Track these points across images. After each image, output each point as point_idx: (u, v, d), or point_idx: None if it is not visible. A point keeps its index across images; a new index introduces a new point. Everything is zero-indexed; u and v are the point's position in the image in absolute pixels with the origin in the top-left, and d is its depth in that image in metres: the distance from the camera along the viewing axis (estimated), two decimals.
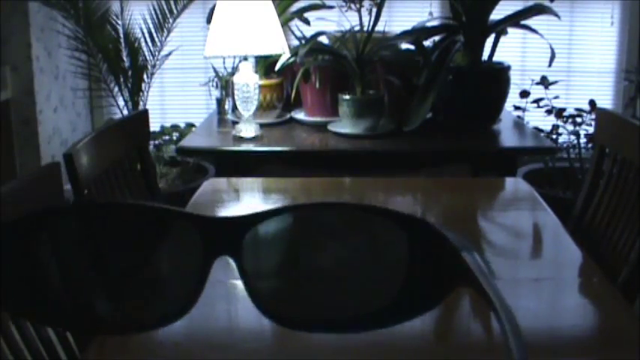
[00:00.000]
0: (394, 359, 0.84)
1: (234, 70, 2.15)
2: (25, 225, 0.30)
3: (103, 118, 3.18)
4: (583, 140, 2.74)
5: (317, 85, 2.07)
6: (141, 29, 2.79)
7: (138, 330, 0.33)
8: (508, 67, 2.04)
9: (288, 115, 2.17)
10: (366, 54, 1.95)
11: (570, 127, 2.74)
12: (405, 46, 2.13)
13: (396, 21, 2.67)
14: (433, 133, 2.00)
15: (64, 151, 1.25)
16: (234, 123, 2.04)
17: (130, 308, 0.33)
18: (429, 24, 2.14)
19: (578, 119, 2.72)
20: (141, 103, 2.81)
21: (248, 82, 1.88)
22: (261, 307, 0.33)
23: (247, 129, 1.92)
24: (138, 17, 2.81)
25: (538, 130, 2.66)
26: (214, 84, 2.48)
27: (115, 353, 0.84)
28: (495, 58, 2.08)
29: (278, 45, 1.87)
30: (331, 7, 2.14)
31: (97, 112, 3.20)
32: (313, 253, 0.33)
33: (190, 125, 2.89)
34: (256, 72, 2.00)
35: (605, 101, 3.09)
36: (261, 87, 1.99)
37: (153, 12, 2.77)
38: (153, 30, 2.78)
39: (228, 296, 1.02)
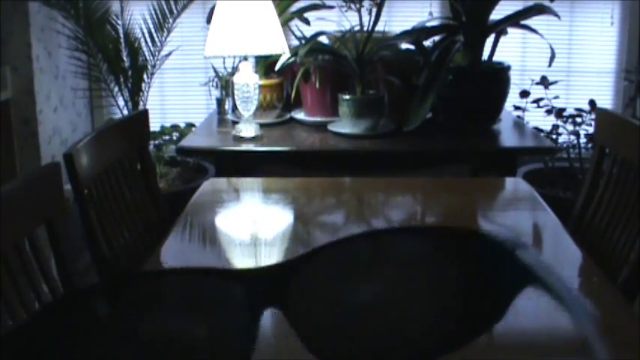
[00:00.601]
0: (394, 359, 0.84)
1: (234, 70, 2.15)
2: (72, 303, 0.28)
3: (103, 118, 3.18)
4: (583, 140, 2.74)
5: (317, 85, 2.07)
6: (141, 29, 2.79)
7: None
8: (508, 67, 2.04)
9: (288, 115, 2.17)
10: (366, 54, 1.95)
11: (570, 127, 2.74)
12: (405, 46, 2.13)
13: (396, 21, 2.67)
14: (433, 133, 2.00)
15: (64, 151, 1.25)
16: (234, 123, 2.04)
17: None
18: (429, 24, 2.14)
19: (578, 119, 2.72)
20: (141, 103, 2.81)
21: (248, 82, 1.88)
22: (311, 347, 0.32)
23: (247, 129, 1.92)
24: (138, 17, 2.81)
25: (538, 130, 2.66)
26: (214, 84, 2.48)
27: None
28: (495, 58, 2.08)
29: (278, 45, 1.87)
30: (331, 7, 2.14)
31: (97, 112, 3.20)
32: (360, 287, 0.32)
33: (190, 125, 2.89)
34: (256, 72, 2.00)
35: (605, 101, 3.09)
36: (261, 87, 1.99)
37: (153, 12, 2.77)
38: (153, 30, 2.78)
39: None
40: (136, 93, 2.78)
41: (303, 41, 2.04)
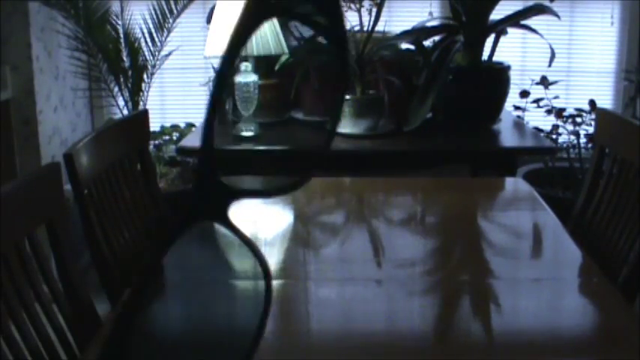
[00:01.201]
0: (394, 359, 0.84)
1: (235, 70, 2.15)
2: None
3: (103, 118, 3.18)
4: (583, 140, 2.74)
5: (317, 85, 2.07)
6: (141, 29, 2.79)
7: None
8: (508, 67, 2.04)
9: (287, 115, 2.17)
10: (366, 54, 1.95)
11: (570, 127, 2.74)
12: (405, 46, 2.13)
13: (396, 21, 2.66)
14: (433, 133, 2.00)
15: (64, 151, 1.24)
16: (234, 123, 2.04)
17: None
18: (429, 24, 2.14)
19: (578, 119, 2.72)
20: (141, 103, 2.81)
21: (248, 82, 1.88)
22: None
23: (247, 129, 1.92)
24: (138, 17, 2.81)
25: (538, 130, 2.66)
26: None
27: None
28: (495, 58, 2.08)
29: (278, 45, 1.87)
30: None
31: (97, 112, 3.20)
32: None
33: (190, 125, 2.88)
34: (256, 72, 2.00)
35: (605, 101, 3.09)
36: (261, 87, 1.99)
37: (153, 12, 2.77)
38: (153, 30, 2.78)
39: (229, 296, 1.02)
40: (136, 93, 2.78)
41: (303, 41, 2.04)
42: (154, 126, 2.97)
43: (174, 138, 2.87)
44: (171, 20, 2.78)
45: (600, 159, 1.53)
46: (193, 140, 2.02)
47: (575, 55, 3.11)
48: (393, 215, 1.46)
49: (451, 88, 2.01)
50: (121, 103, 2.79)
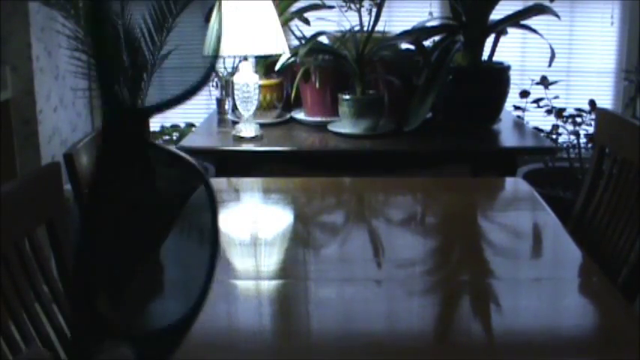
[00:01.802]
0: (394, 359, 0.84)
1: (234, 70, 2.15)
2: None
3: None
4: (583, 140, 2.73)
5: (317, 85, 2.07)
6: (140, 29, 2.79)
7: None
8: (508, 67, 2.04)
9: (288, 115, 2.17)
10: (366, 54, 1.95)
11: (570, 127, 2.74)
12: (405, 46, 2.13)
13: (396, 21, 2.66)
14: (433, 133, 2.00)
15: (64, 151, 1.24)
16: (234, 123, 2.04)
17: None
18: (429, 24, 2.14)
19: (578, 119, 2.72)
20: (141, 102, 2.81)
21: (248, 82, 1.88)
22: None
23: (247, 129, 1.92)
24: (138, 17, 2.80)
25: (538, 130, 2.66)
26: (214, 84, 2.48)
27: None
28: (495, 58, 2.08)
29: (278, 45, 1.87)
30: (331, 7, 2.14)
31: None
32: None
33: (190, 125, 2.88)
34: (256, 72, 2.00)
35: (605, 101, 3.09)
36: (261, 87, 1.99)
37: (152, 12, 2.77)
38: (152, 30, 2.78)
39: (228, 296, 1.02)
40: (136, 93, 2.78)
41: (303, 41, 2.04)
42: (154, 126, 2.97)
43: (174, 138, 2.87)
44: (170, 20, 2.78)
45: (600, 159, 1.53)
46: (193, 140, 2.02)
47: (575, 55, 3.11)
48: (393, 215, 1.46)
49: (451, 88, 2.01)
50: None
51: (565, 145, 2.76)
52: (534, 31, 2.01)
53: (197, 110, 3.04)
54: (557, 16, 1.99)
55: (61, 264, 1.09)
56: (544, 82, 2.70)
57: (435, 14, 2.89)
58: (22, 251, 1.00)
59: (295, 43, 2.13)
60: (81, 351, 0.33)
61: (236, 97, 1.92)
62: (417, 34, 2.05)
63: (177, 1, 2.76)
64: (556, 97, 2.73)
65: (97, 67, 0.30)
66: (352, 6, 1.94)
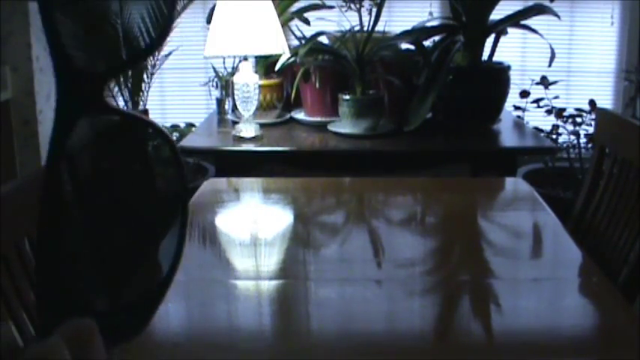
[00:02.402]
0: (394, 359, 0.84)
1: (234, 70, 2.15)
2: None
3: None
4: (583, 140, 2.74)
5: (317, 85, 2.07)
6: (140, 29, 2.79)
7: None
8: (508, 67, 2.04)
9: (288, 115, 2.17)
10: (366, 54, 1.95)
11: (570, 127, 2.74)
12: (405, 46, 2.13)
13: (396, 21, 2.67)
14: (433, 133, 2.00)
15: None
16: (234, 123, 2.04)
17: None
18: (429, 24, 2.14)
19: (578, 119, 2.72)
20: (141, 103, 2.81)
21: (248, 82, 1.88)
22: None
23: (247, 129, 1.92)
24: (137, 17, 2.80)
25: (538, 130, 2.66)
26: (214, 84, 2.48)
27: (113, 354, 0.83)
28: (495, 58, 2.08)
29: (278, 45, 1.87)
30: (331, 7, 2.14)
31: None
32: None
33: (190, 125, 2.88)
34: (256, 72, 2.00)
35: (605, 101, 3.09)
36: (261, 87, 1.99)
37: (152, 12, 2.77)
38: (152, 30, 2.78)
39: (228, 296, 1.02)
40: (136, 93, 2.78)
41: (303, 41, 2.04)
42: None
43: (175, 138, 2.87)
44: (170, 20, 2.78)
45: (600, 159, 1.53)
46: (193, 140, 2.02)
47: (575, 55, 3.11)
48: (393, 215, 1.46)
49: (451, 88, 2.01)
50: (121, 103, 2.78)
51: (565, 145, 2.76)
52: (534, 31, 2.01)
53: (197, 110, 3.04)
54: (557, 16, 1.99)
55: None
56: (544, 82, 2.70)
57: (435, 14, 2.89)
58: (22, 251, 0.99)
59: (295, 43, 2.13)
60: (45, 326, 0.32)
61: (236, 97, 1.92)
62: (417, 34, 2.05)
63: (177, 1, 2.76)
64: (556, 97, 2.73)
65: (43, 22, 0.30)
66: (352, 6, 1.94)
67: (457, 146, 1.94)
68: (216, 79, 2.41)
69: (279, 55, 1.97)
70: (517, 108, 2.75)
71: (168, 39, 2.81)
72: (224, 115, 2.23)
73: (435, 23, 2.20)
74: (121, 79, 2.74)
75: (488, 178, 1.87)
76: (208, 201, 1.45)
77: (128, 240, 0.36)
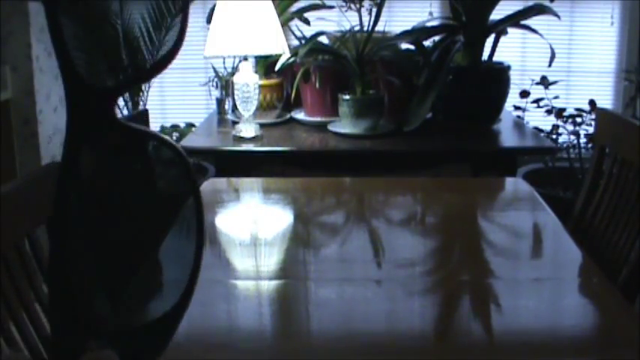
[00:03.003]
0: (394, 359, 0.84)
1: (234, 70, 2.15)
2: None
3: None
4: (583, 140, 2.74)
5: (317, 85, 2.07)
6: (140, 29, 2.79)
7: None
8: (508, 67, 2.04)
9: (288, 115, 2.17)
10: (366, 54, 1.95)
11: (570, 127, 2.74)
12: (405, 46, 2.13)
13: (396, 21, 2.67)
14: (433, 133, 2.00)
15: None
16: (234, 123, 2.04)
17: None
18: (429, 24, 2.14)
19: (578, 119, 2.72)
20: (141, 103, 2.81)
21: (248, 82, 1.88)
22: None
23: (247, 129, 1.92)
24: (137, 17, 2.80)
25: (538, 130, 2.66)
26: (214, 84, 2.48)
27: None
28: (495, 58, 2.08)
29: (278, 45, 1.87)
30: (331, 7, 2.14)
31: None
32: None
33: (190, 125, 2.88)
34: (256, 72, 2.00)
35: (605, 101, 3.09)
36: (261, 87, 1.99)
37: (152, 11, 2.77)
38: (152, 29, 2.78)
39: (228, 296, 1.02)
40: (136, 93, 2.78)
41: (303, 41, 2.04)
42: (154, 126, 2.97)
43: (174, 138, 2.87)
44: (169, 20, 2.78)
45: (600, 159, 1.53)
46: (193, 140, 2.02)
47: (575, 55, 3.11)
48: (393, 215, 1.46)
49: (451, 88, 2.01)
50: (121, 103, 2.79)
51: (565, 145, 2.76)
52: (534, 31, 2.01)
53: (197, 110, 3.04)
54: (557, 16, 1.99)
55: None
56: (544, 82, 2.70)
57: (435, 14, 2.89)
58: (22, 251, 0.99)
59: (295, 43, 2.13)
60: (62, 352, 0.32)
61: (236, 97, 1.92)
62: (417, 34, 2.05)
63: (177, 1, 2.76)
64: (556, 97, 2.73)
65: (51, 31, 0.29)
66: (352, 6, 1.94)
67: (457, 146, 1.94)
68: (216, 79, 2.41)
69: (279, 55, 1.97)
70: (517, 108, 2.75)
71: (167, 39, 2.81)
72: (224, 115, 2.23)
73: (435, 23, 2.19)
74: (121, 78, 2.74)
75: (488, 178, 1.87)
76: (208, 201, 1.45)
77: (137, 251, 0.36)
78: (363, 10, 1.94)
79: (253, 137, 1.91)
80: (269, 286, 1.06)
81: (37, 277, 1.02)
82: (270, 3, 1.88)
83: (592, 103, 2.72)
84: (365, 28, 1.95)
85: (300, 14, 2.20)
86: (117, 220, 0.36)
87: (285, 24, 2.12)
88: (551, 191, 2.59)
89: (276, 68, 2.05)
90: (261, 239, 1.28)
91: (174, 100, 3.22)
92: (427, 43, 2.07)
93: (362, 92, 1.96)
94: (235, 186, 1.63)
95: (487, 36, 2.03)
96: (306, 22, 2.22)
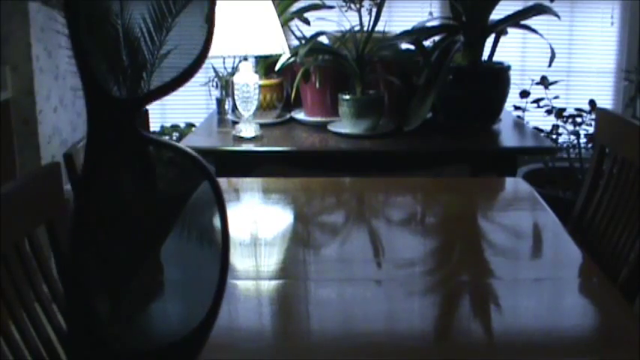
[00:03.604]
0: (394, 359, 0.84)
1: (234, 70, 2.15)
2: None
3: None
4: (583, 140, 2.74)
5: (317, 85, 2.07)
6: (140, 29, 2.79)
7: None
8: (508, 67, 2.04)
9: (288, 115, 2.17)
10: (366, 54, 1.95)
11: (570, 127, 2.74)
12: (405, 46, 2.13)
13: (396, 21, 2.67)
14: (433, 133, 2.00)
15: (64, 151, 1.24)
16: (234, 123, 2.04)
17: None
18: (429, 24, 2.14)
19: (578, 119, 2.72)
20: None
21: (248, 82, 1.88)
22: None
23: (247, 129, 1.92)
24: (137, 17, 2.80)
25: (538, 130, 2.66)
26: (214, 84, 2.48)
27: None
28: (495, 58, 2.08)
29: (278, 45, 1.87)
30: (331, 7, 2.14)
31: None
32: None
33: (190, 125, 2.89)
34: (256, 72, 2.00)
35: (605, 101, 3.09)
36: (261, 87, 1.99)
37: (152, 11, 2.77)
38: (152, 29, 2.78)
39: (228, 296, 1.02)
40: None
41: (303, 41, 2.04)
42: (154, 126, 2.97)
43: (174, 138, 2.87)
44: (170, 20, 2.78)
45: (600, 159, 1.53)
46: (193, 140, 2.02)
47: (575, 55, 3.11)
48: (393, 215, 1.46)
49: (451, 88, 2.01)
50: None
51: (565, 145, 2.76)
52: (534, 31, 2.01)
53: (197, 110, 3.04)
54: (557, 16, 1.99)
55: (61, 264, 1.09)
56: (544, 82, 2.70)
57: (435, 14, 2.90)
58: (22, 251, 0.99)
59: (295, 43, 2.13)
60: None
61: (236, 97, 1.92)
62: (417, 34, 2.05)
63: (177, 1, 2.76)
64: (556, 97, 2.73)
65: (73, 47, 0.29)
66: (352, 6, 1.94)
67: (457, 146, 1.94)
68: (216, 79, 2.41)
69: (279, 55, 1.97)
70: (517, 108, 2.75)
71: (168, 39, 2.82)
72: (224, 115, 2.23)
73: (435, 23, 2.19)
74: (121, 79, 2.74)
75: (488, 178, 1.87)
76: (208, 201, 1.45)
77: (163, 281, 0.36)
78: (363, 10, 1.94)
79: (253, 137, 1.91)
80: (269, 286, 1.06)
81: (37, 277, 1.02)
82: (270, 3, 1.88)
83: (592, 103, 2.72)
84: (365, 28, 1.95)
85: (300, 14, 2.20)
86: (134, 233, 0.36)
87: (285, 24, 2.12)
88: (551, 191, 2.60)
89: (276, 68, 2.05)
90: (261, 239, 1.28)
91: (174, 100, 3.22)
92: (427, 43, 2.07)
93: (362, 92, 1.96)
94: (235, 186, 1.63)
95: (487, 36, 2.03)
96: (306, 22, 2.22)
